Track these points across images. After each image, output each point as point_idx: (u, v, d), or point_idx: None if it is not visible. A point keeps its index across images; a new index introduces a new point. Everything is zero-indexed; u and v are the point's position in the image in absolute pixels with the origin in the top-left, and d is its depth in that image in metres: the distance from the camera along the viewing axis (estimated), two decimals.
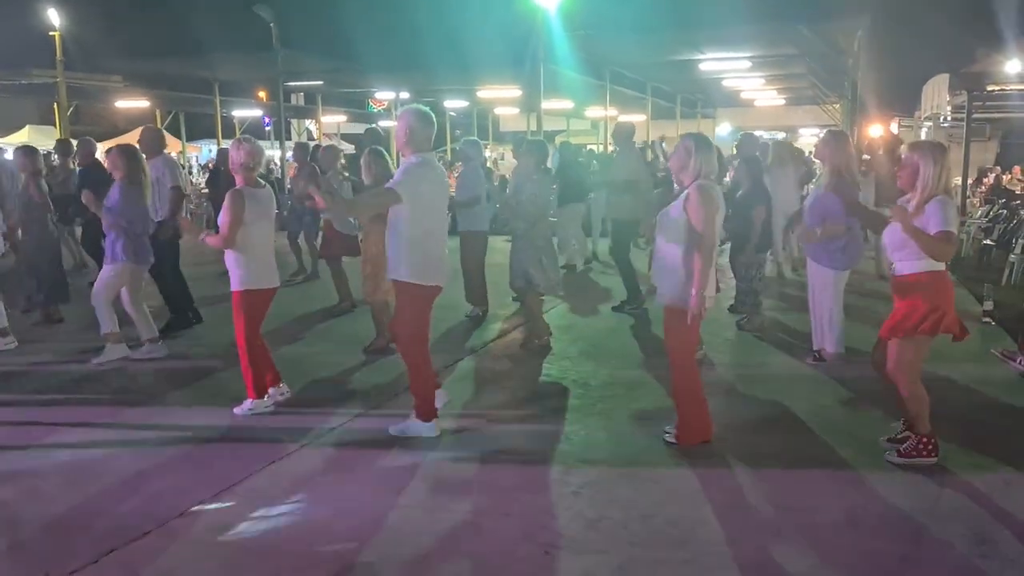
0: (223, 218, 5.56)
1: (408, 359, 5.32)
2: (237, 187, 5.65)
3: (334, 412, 5.74)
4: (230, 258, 5.64)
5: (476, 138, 9.45)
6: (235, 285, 5.66)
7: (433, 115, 5.32)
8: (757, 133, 11.15)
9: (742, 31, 17.67)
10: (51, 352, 7.53)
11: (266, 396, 5.77)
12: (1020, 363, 6.45)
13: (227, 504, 4.34)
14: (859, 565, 3.68)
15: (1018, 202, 14.11)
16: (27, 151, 8.56)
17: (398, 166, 5.58)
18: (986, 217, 14.08)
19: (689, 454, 4.92)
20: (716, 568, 3.67)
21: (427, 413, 5.28)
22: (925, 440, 4.69)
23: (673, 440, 5.05)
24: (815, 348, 6.82)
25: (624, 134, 9.41)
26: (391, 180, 5.22)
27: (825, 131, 7.88)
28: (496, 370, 6.87)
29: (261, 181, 5.85)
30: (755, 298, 8.06)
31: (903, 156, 4.88)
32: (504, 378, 6.67)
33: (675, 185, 5.38)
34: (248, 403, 5.73)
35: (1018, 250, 10.47)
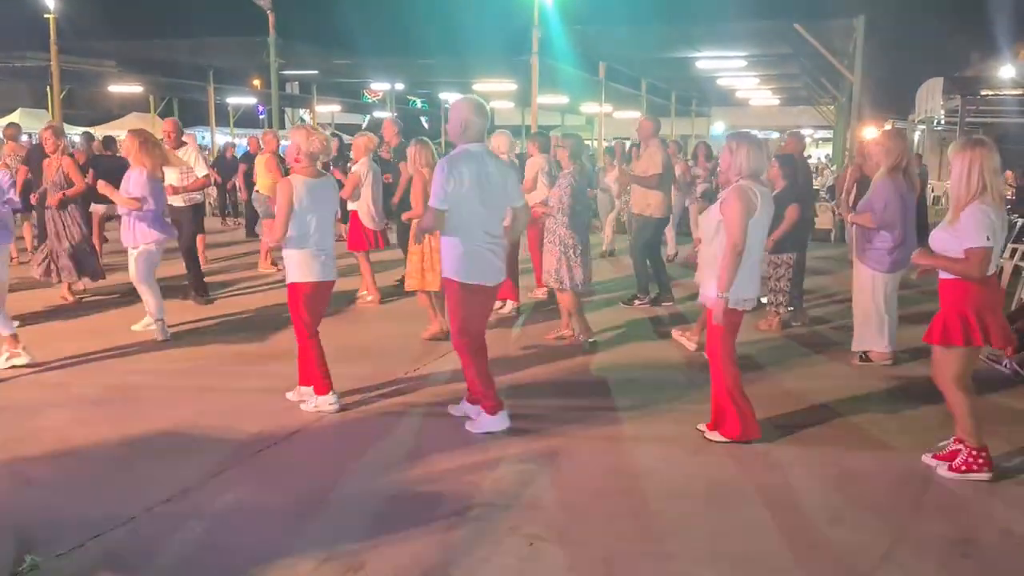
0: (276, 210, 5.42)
1: (459, 355, 5.25)
2: (288, 176, 5.44)
3: (328, 399, 5.69)
4: (284, 249, 5.46)
5: (505, 130, 9.25)
6: (287, 277, 5.51)
7: (487, 105, 5.13)
8: (754, 131, 11.17)
9: (738, 29, 17.73)
10: (41, 334, 7.51)
11: (330, 393, 5.53)
12: (1006, 366, 6.50)
13: (216, 488, 4.35)
14: (842, 560, 3.71)
15: (1009, 207, 14.19)
16: (53, 131, 8.79)
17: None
18: None
19: (680, 450, 4.95)
20: (700, 561, 3.70)
21: (490, 407, 5.19)
22: (975, 453, 4.52)
23: (715, 437, 5.02)
24: (856, 349, 6.79)
25: (650, 130, 9.35)
26: (432, 192, 5.00)
27: (882, 132, 7.90)
28: (503, 361, 6.81)
29: (322, 171, 5.57)
30: (783, 297, 7.94)
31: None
32: (500, 369, 6.63)
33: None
34: (313, 399, 5.55)
35: (1007, 254, 10.53)
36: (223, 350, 7.17)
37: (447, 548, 3.79)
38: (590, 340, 7.30)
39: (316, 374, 5.52)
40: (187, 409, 5.61)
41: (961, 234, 4.33)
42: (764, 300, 8.21)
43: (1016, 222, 11.71)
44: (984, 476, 4.49)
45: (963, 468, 4.54)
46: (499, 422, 5.18)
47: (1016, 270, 10.13)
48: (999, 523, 4.11)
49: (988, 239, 4.27)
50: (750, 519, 4.09)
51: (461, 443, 5.05)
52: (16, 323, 6.72)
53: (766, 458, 4.85)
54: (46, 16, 18.57)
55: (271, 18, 18.94)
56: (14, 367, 6.39)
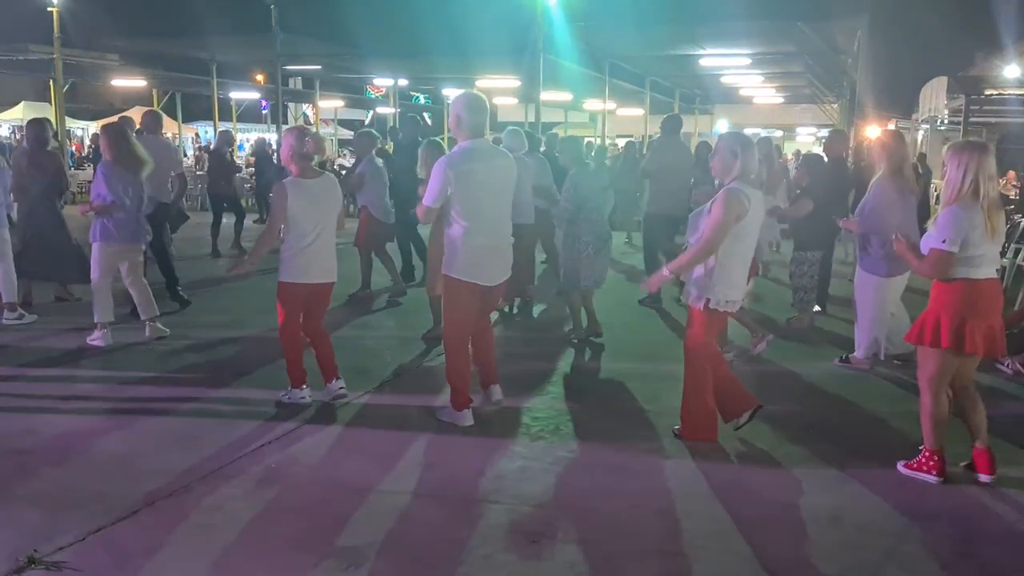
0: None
1: (445, 349, 5.31)
2: (284, 179, 5.42)
3: (300, 393, 5.64)
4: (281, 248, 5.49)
5: (518, 128, 9.15)
6: (279, 275, 5.52)
7: (485, 99, 5.11)
8: (755, 131, 11.14)
9: (742, 27, 17.67)
10: (46, 327, 7.52)
11: (303, 388, 5.61)
12: (1008, 367, 6.49)
13: (216, 484, 4.35)
14: (843, 559, 3.71)
15: (1012, 207, 14.15)
16: (30, 123, 8.50)
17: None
18: None
19: (682, 449, 4.95)
20: (702, 560, 3.69)
21: (457, 403, 5.26)
22: (928, 454, 4.54)
23: (678, 433, 5.08)
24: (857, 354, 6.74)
25: (670, 126, 9.38)
26: (427, 189, 5.01)
27: (880, 133, 7.73)
28: (506, 358, 6.80)
29: (318, 170, 5.52)
30: (805, 296, 7.89)
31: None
32: (511, 366, 6.61)
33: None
34: (287, 391, 5.63)
35: (1010, 254, 10.51)
36: (225, 345, 7.17)
37: (448, 546, 3.79)
38: (575, 338, 7.45)
39: (288, 368, 5.58)
40: (188, 405, 5.61)
41: (932, 233, 4.35)
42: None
43: (1020, 222, 11.66)
44: (931, 479, 4.51)
45: (915, 467, 4.59)
46: (463, 418, 5.25)
47: (1020, 271, 10.12)
48: (1000, 523, 4.11)
49: (945, 242, 4.25)
50: (751, 518, 4.08)
51: (461, 441, 5.06)
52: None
53: (767, 458, 4.85)
54: (49, 9, 18.57)
55: (274, 13, 18.93)
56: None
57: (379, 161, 9.18)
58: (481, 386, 5.51)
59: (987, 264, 4.38)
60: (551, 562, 3.66)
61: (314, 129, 6.92)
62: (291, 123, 31.77)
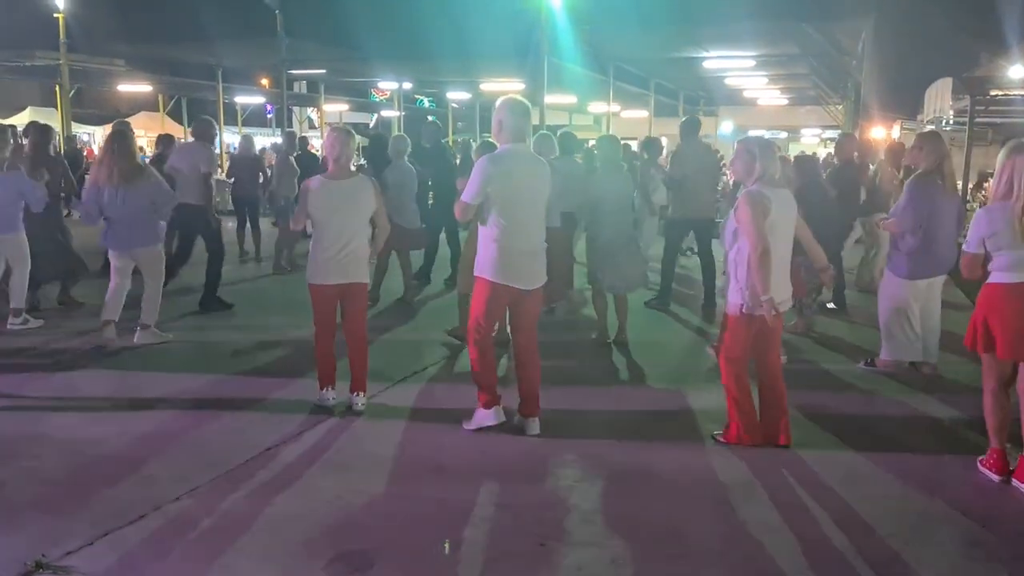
0: None
1: (469, 351, 5.28)
2: (312, 177, 5.52)
3: (336, 397, 5.68)
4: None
5: (548, 132, 9.10)
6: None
7: (527, 105, 5.11)
8: (759, 132, 11.09)
9: (746, 29, 17.66)
10: (52, 332, 7.54)
11: (327, 389, 5.61)
12: None
13: (224, 487, 4.36)
14: (850, 562, 3.70)
15: None
16: (31, 128, 8.51)
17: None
18: None
19: (690, 450, 4.96)
20: (708, 563, 3.69)
21: (483, 401, 5.23)
22: (990, 452, 4.57)
23: (721, 438, 5.05)
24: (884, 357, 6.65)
25: (688, 128, 9.30)
26: (466, 187, 4.99)
27: (918, 135, 7.49)
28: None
29: (352, 171, 5.53)
30: (803, 300, 7.72)
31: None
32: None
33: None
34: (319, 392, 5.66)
35: None
36: (234, 348, 7.19)
37: (457, 548, 3.79)
38: (604, 341, 7.43)
39: (318, 369, 5.64)
40: (196, 408, 5.63)
41: None
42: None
43: None
44: (993, 476, 4.53)
45: (983, 463, 4.63)
46: (490, 417, 5.21)
47: None
48: (1008, 525, 4.09)
49: (971, 244, 4.41)
50: (758, 520, 4.08)
51: (470, 443, 5.06)
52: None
53: (775, 459, 4.84)
54: (55, 15, 18.65)
55: (279, 18, 19.00)
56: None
57: (408, 166, 9.13)
58: (519, 413, 5.29)
59: (1019, 268, 4.30)
60: (559, 565, 3.66)
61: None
62: (295, 127, 31.86)
